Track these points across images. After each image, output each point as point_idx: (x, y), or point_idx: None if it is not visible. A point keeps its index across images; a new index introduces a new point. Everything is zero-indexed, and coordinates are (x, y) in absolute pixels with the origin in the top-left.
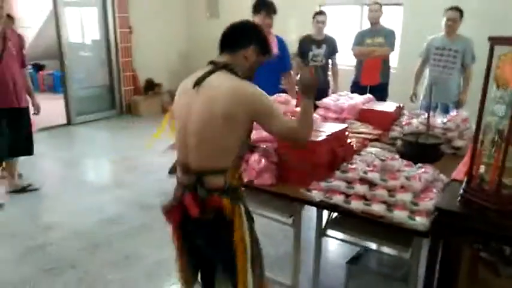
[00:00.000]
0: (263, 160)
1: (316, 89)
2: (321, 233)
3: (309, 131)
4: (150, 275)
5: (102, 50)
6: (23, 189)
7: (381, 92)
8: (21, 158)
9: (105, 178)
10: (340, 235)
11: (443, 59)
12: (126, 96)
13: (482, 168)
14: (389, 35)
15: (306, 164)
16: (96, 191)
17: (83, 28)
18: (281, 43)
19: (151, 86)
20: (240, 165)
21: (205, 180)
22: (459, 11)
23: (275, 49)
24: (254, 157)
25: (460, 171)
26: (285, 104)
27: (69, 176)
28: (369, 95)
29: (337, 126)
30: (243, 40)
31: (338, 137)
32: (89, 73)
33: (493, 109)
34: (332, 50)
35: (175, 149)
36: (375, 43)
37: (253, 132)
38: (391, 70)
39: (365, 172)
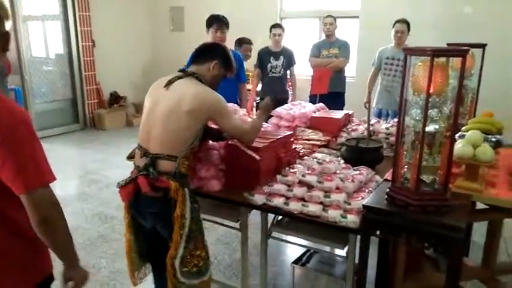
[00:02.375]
0: (211, 168)
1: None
2: (266, 235)
3: (254, 136)
4: (105, 285)
5: (65, 63)
6: None
7: (337, 101)
8: None
9: (66, 192)
10: (285, 236)
11: (393, 69)
12: (90, 110)
13: (406, 168)
14: (344, 47)
15: (251, 169)
16: None
17: (45, 42)
18: (237, 57)
19: (115, 99)
20: (190, 156)
21: (158, 163)
22: (406, 23)
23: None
24: (202, 165)
25: (391, 172)
26: (233, 113)
27: None
28: (320, 104)
29: (283, 133)
30: (210, 55)
31: (283, 143)
32: (51, 87)
33: (411, 113)
34: (289, 62)
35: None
36: (330, 54)
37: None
38: (348, 80)
39: (303, 175)
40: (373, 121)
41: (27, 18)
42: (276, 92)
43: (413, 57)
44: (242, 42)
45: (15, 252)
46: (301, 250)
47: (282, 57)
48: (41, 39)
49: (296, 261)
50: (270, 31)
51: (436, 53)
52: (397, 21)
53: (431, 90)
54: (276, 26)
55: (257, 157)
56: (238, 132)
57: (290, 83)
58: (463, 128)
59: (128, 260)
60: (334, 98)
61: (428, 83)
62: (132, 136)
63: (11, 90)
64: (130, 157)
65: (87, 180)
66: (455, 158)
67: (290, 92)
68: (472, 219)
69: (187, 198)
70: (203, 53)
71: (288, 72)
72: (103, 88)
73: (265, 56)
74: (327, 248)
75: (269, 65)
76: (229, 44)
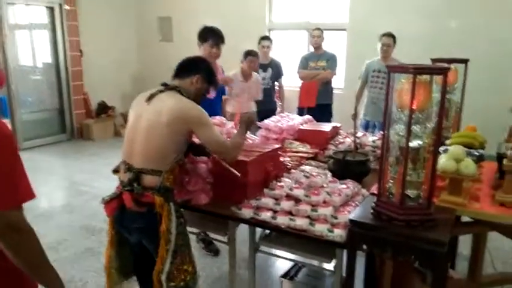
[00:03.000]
0: (199, 181)
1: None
2: (254, 248)
3: (237, 153)
4: None
5: (53, 73)
6: None
7: (324, 113)
8: None
9: (52, 204)
10: (273, 250)
11: (379, 81)
12: (77, 120)
13: (391, 183)
14: (331, 59)
15: (239, 183)
16: (40, 216)
17: (33, 51)
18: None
19: (103, 109)
20: (175, 170)
21: (143, 178)
22: (392, 36)
23: (220, 76)
24: (190, 178)
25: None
26: (219, 126)
27: None
28: (308, 116)
29: (270, 146)
30: (192, 69)
31: (270, 157)
32: (38, 96)
33: (395, 129)
34: (277, 73)
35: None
36: (318, 66)
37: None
38: (336, 91)
39: (291, 189)
40: (360, 134)
41: (15, 27)
42: (265, 103)
43: (396, 74)
44: (247, 54)
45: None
46: (290, 264)
47: (270, 69)
48: (29, 48)
49: (284, 275)
50: (259, 43)
51: (418, 70)
52: (384, 35)
53: (414, 107)
54: (265, 38)
55: (238, 174)
56: (220, 148)
57: (278, 95)
58: (447, 142)
59: (107, 275)
60: (321, 109)
61: (411, 100)
62: (120, 146)
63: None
64: (115, 171)
65: (73, 192)
66: (439, 172)
67: (278, 103)
68: (457, 233)
69: (173, 212)
70: (186, 67)
71: (276, 83)
72: (91, 98)
73: None
74: (315, 262)
75: None
76: (223, 59)
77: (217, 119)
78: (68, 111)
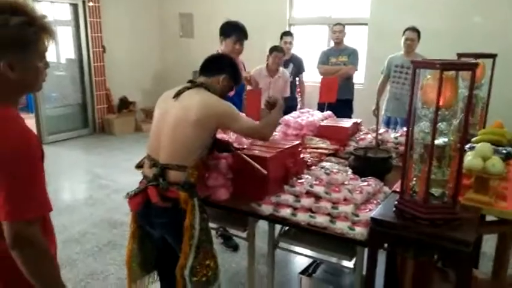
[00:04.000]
0: (219, 176)
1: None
2: (273, 245)
3: (270, 131)
4: None
5: (76, 69)
6: None
7: (345, 108)
8: None
9: (74, 197)
10: (292, 247)
11: (402, 76)
12: (99, 115)
13: (414, 181)
14: (352, 54)
15: (259, 179)
16: (63, 210)
17: (57, 47)
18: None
19: (125, 105)
20: (199, 166)
21: (168, 173)
22: (417, 31)
23: (243, 73)
24: (210, 174)
25: (400, 184)
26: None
27: None
28: (328, 112)
29: (290, 143)
30: (219, 68)
31: (290, 153)
32: (62, 92)
33: (420, 126)
34: (299, 69)
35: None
36: (339, 62)
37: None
38: (357, 87)
39: (311, 186)
40: (381, 130)
41: None
42: (285, 99)
43: (422, 69)
44: (273, 50)
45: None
46: (308, 260)
47: (291, 65)
48: (53, 44)
49: (303, 272)
50: (281, 39)
51: (445, 66)
52: (408, 29)
53: (440, 104)
54: (287, 33)
55: (264, 171)
56: (253, 131)
57: (299, 90)
58: (473, 139)
59: (128, 269)
60: (342, 105)
61: (437, 96)
62: (141, 141)
63: None
64: (139, 166)
65: (95, 185)
66: (464, 170)
67: (299, 99)
68: (482, 232)
69: (197, 208)
70: (211, 66)
71: (297, 79)
72: (113, 93)
73: None
74: (334, 259)
75: None
76: (243, 55)
77: None
78: (91, 106)
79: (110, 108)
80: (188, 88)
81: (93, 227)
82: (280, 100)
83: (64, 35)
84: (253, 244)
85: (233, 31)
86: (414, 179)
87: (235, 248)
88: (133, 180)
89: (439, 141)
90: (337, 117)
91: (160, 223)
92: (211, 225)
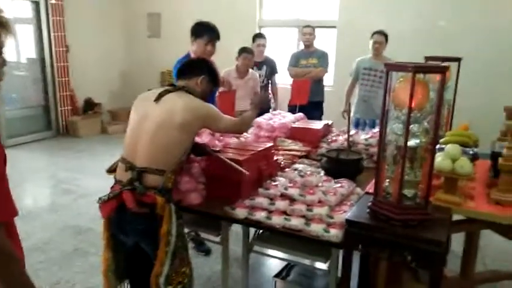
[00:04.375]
0: (191, 180)
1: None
2: (248, 249)
3: (246, 127)
4: None
5: (38, 69)
6: None
7: (316, 110)
8: None
9: (36, 202)
10: (267, 250)
11: (370, 79)
12: (63, 117)
13: (387, 182)
14: (322, 57)
15: (233, 182)
16: (24, 216)
17: (17, 46)
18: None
19: (90, 106)
20: (176, 171)
21: (145, 177)
22: (384, 35)
23: None
24: (182, 178)
25: (372, 185)
26: None
27: None
28: (300, 114)
29: (263, 145)
30: (196, 70)
31: (264, 155)
32: (23, 93)
33: (392, 127)
34: (272, 71)
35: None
36: (309, 64)
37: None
38: (327, 89)
39: (286, 188)
40: (352, 132)
41: None
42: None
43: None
44: (242, 51)
45: None
46: (282, 262)
47: (265, 67)
48: (12, 43)
49: (277, 275)
50: (253, 41)
51: (417, 69)
52: (376, 32)
53: (412, 106)
54: (260, 36)
55: (246, 172)
56: (233, 128)
57: (270, 92)
58: (441, 141)
59: (105, 280)
60: (313, 107)
61: (410, 99)
62: (107, 144)
63: None
64: (111, 171)
65: (59, 190)
66: (435, 171)
67: (272, 101)
68: (451, 231)
69: (173, 214)
70: (189, 69)
71: (269, 81)
72: (77, 94)
73: None
74: (308, 262)
75: None
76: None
77: None
78: (54, 107)
79: (75, 109)
80: (169, 91)
81: (58, 234)
82: (263, 98)
83: (25, 34)
84: (227, 248)
85: (205, 31)
86: (387, 180)
87: (207, 252)
88: (100, 184)
89: (411, 142)
90: (309, 119)
91: (135, 230)
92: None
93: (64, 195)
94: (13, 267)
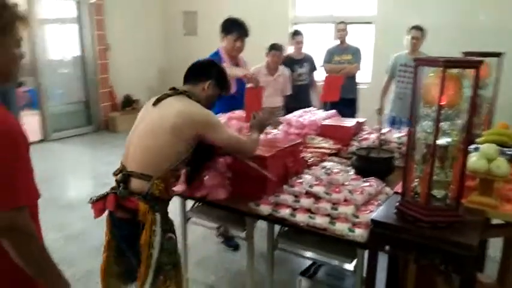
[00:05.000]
0: (217, 175)
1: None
2: (273, 245)
3: (254, 148)
4: None
5: (80, 66)
6: None
7: (349, 108)
8: None
9: (76, 194)
10: (292, 248)
11: (407, 75)
12: (103, 113)
13: (416, 182)
14: (356, 53)
15: (258, 179)
16: (64, 207)
17: (61, 45)
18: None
19: (129, 102)
20: (168, 179)
21: (131, 181)
22: (421, 30)
23: (244, 71)
24: (208, 173)
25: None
26: (239, 120)
27: None
28: (332, 111)
29: (290, 142)
30: (204, 74)
31: (290, 152)
32: (66, 89)
33: (422, 125)
34: (313, 68)
35: None
36: (342, 60)
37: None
38: (363, 86)
39: (311, 186)
40: (385, 130)
41: (44, 21)
42: (299, 100)
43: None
44: (271, 48)
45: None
46: (309, 261)
47: (306, 64)
48: (57, 42)
49: (303, 273)
50: (292, 38)
51: (448, 63)
52: (413, 28)
53: (442, 103)
54: (298, 33)
55: (269, 175)
56: (237, 145)
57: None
58: (478, 140)
59: (102, 282)
60: (346, 104)
61: (439, 95)
62: None
63: (26, 92)
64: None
65: (98, 183)
66: (468, 172)
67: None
68: (486, 236)
69: (158, 225)
70: (197, 72)
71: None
72: (117, 91)
73: (289, 65)
74: (335, 262)
75: (295, 73)
76: (245, 54)
77: (237, 113)
78: (95, 103)
79: (114, 105)
80: (169, 95)
81: (94, 225)
82: (262, 120)
83: (68, 33)
84: (252, 244)
85: (234, 28)
86: (416, 180)
87: (236, 247)
88: None
89: (442, 141)
90: (341, 116)
91: (120, 235)
92: (211, 224)
93: (102, 187)
94: (33, 247)
